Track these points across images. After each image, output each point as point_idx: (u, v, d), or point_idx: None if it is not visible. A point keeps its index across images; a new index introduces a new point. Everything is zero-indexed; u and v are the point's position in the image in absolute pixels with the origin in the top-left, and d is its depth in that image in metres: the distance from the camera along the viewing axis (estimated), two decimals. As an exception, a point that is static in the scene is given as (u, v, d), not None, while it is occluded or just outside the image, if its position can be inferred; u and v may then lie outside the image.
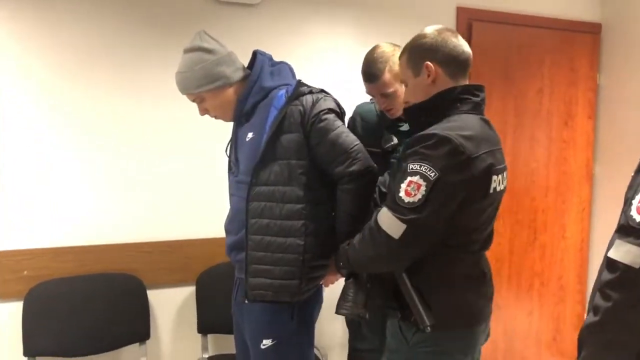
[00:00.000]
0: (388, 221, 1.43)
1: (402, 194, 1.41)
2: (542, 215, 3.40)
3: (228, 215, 1.91)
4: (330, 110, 1.74)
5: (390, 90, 2.00)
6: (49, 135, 2.35)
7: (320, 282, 1.85)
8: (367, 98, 2.22)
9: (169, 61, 2.44)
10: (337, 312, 1.66)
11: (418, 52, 1.57)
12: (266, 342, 1.77)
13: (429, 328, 1.48)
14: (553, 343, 3.52)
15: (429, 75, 1.55)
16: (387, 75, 1.98)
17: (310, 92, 1.75)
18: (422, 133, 1.45)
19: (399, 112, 2.07)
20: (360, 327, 2.24)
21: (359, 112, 2.27)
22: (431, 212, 1.40)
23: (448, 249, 1.51)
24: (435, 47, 1.55)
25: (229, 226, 1.87)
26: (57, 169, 2.37)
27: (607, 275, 1.25)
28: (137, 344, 2.45)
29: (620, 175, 3.39)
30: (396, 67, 1.91)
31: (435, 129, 1.44)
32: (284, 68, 1.85)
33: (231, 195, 1.89)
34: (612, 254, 1.25)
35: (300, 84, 1.77)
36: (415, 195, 1.40)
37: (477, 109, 1.56)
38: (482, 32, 3.11)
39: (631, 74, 3.34)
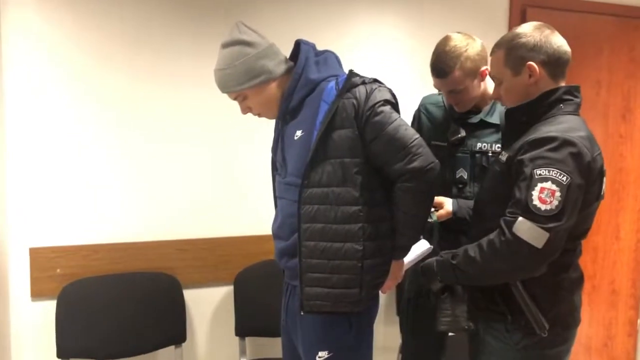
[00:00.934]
0: (529, 231, 1.38)
1: (536, 202, 1.37)
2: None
3: (275, 219, 1.77)
4: (386, 102, 1.57)
5: (460, 87, 1.87)
6: (84, 130, 2.24)
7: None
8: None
9: (205, 50, 2.35)
10: (439, 328, 1.65)
11: (520, 50, 1.52)
12: (322, 354, 1.64)
13: (546, 332, 1.48)
14: (604, 349, 3.33)
15: (530, 76, 1.52)
16: (457, 73, 1.84)
17: (363, 83, 1.58)
18: (540, 136, 1.42)
19: (467, 107, 1.96)
20: (413, 333, 2.14)
21: (424, 103, 2.15)
22: (569, 217, 1.39)
23: (567, 256, 1.52)
24: (539, 47, 1.51)
25: (279, 231, 1.73)
26: (92, 164, 2.26)
27: None
28: (173, 346, 2.34)
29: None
30: (468, 64, 1.84)
31: (553, 132, 1.42)
32: (330, 57, 1.69)
33: (279, 198, 1.75)
34: None
35: (352, 74, 1.60)
36: (551, 202, 1.37)
37: (578, 110, 1.55)
38: (536, 19, 2.89)
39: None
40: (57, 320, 2.16)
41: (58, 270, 2.23)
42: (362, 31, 2.62)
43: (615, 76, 3.14)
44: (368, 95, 1.55)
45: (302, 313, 1.63)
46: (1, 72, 2.13)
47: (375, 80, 1.62)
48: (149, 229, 2.36)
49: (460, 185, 1.96)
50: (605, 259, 3.27)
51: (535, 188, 1.37)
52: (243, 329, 2.43)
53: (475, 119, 1.97)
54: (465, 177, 1.95)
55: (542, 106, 1.51)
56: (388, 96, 1.59)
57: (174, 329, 2.34)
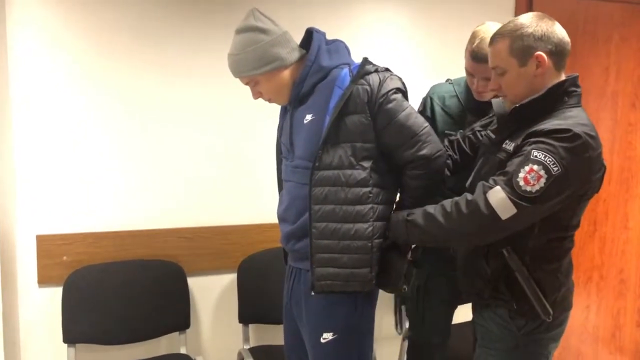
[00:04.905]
0: (500, 202, 1.41)
1: (520, 180, 1.39)
2: (603, 204, 3.17)
3: (281, 203, 1.81)
4: (398, 90, 1.62)
5: None
6: (89, 118, 2.27)
7: None
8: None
9: (211, 38, 2.37)
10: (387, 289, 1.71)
11: (527, 40, 1.50)
12: (327, 336, 1.67)
13: (550, 317, 1.51)
14: (612, 339, 3.31)
15: (538, 67, 1.50)
16: None
17: (376, 71, 1.63)
18: (551, 127, 1.42)
19: (490, 96, 1.94)
20: (423, 319, 2.16)
21: (436, 93, 2.12)
22: (542, 205, 1.41)
23: (561, 242, 1.55)
24: (547, 36, 1.49)
25: (285, 214, 1.76)
26: (98, 153, 2.29)
27: None
28: (177, 333, 2.38)
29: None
30: None
31: (563, 125, 1.42)
32: (340, 46, 1.73)
33: (285, 181, 1.78)
34: None
35: (365, 61, 1.64)
36: (534, 185, 1.38)
37: (580, 102, 1.54)
38: (544, 4, 2.87)
39: None
40: (64, 306, 2.20)
41: (64, 258, 2.27)
42: (366, 19, 2.61)
43: (624, 64, 3.09)
44: (381, 83, 1.59)
45: (312, 293, 1.66)
46: (8, 66, 2.16)
47: (387, 69, 1.66)
48: (154, 217, 2.39)
49: None
50: (613, 248, 3.24)
51: (526, 167, 1.39)
52: (246, 316, 2.46)
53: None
54: None
55: (550, 100, 1.50)
56: (399, 85, 1.64)
57: (178, 316, 2.38)
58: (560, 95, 1.51)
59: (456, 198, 1.50)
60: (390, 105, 1.59)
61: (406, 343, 2.59)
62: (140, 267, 2.36)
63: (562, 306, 1.59)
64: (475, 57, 1.87)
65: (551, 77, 1.51)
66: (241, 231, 2.50)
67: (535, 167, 1.38)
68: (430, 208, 1.54)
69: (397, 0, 2.66)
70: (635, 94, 3.15)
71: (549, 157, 1.38)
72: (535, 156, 1.39)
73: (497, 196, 1.41)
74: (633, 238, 3.28)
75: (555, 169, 1.37)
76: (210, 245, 2.47)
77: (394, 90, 1.60)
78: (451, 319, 2.23)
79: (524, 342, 1.57)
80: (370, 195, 1.62)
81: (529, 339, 1.57)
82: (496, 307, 1.59)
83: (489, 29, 1.86)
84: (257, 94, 1.74)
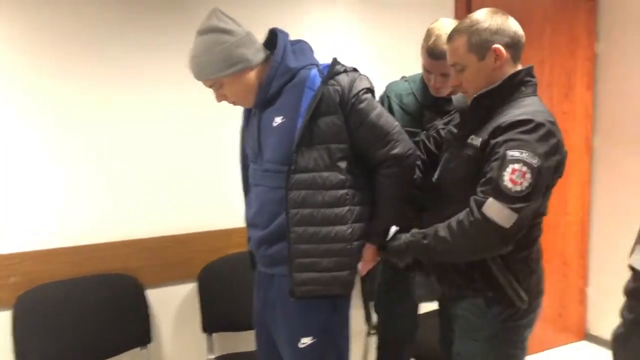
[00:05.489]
0: (498, 212, 1.42)
1: (507, 183, 1.41)
2: (544, 190, 3.32)
3: (250, 207, 1.77)
4: (368, 90, 1.63)
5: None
6: (34, 131, 2.13)
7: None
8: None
9: (159, 40, 2.29)
10: (419, 300, 1.85)
11: (484, 34, 1.54)
12: (305, 340, 1.65)
13: (525, 304, 1.56)
14: (559, 319, 3.48)
15: (496, 60, 1.55)
16: None
17: (345, 71, 1.63)
18: (513, 119, 1.46)
19: (447, 92, 2.00)
20: (392, 314, 2.20)
21: (393, 90, 2.15)
22: (537, 198, 1.45)
23: (530, 230, 1.57)
24: (502, 30, 1.55)
25: (255, 219, 1.73)
26: (44, 166, 2.15)
27: (631, 283, 1.30)
28: (139, 348, 2.28)
29: (620, 147, 3.34)
30: None
31: (523, 114, 1.46)
32: (305, 47, 1.72)
33: (254, 185, 1.75)
34: (634, 262, 1.28)
35: (335, 62, 1.64)
36: (522, 183, 1.41)
37: (536, 91, 1.60)
38: (482, 1, 2.97)
39: (629, 41, 3.26)
40: (15, 330, 2.06)
41: (11, 279, 2.12)
42: (314, 16, 2.61)
43: (557, 56, 3.26)
44: (351, 84, 1.60)
45: (292, 299, 1.63)
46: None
47: (355, 69, 1.66)
48: (106, 230, 2.27)
49: None
50: (555, 232, 3.40)
51: (507, 169, 1.41)
52: (210, 325, 2.40)
53: (450, 106, 2.00)
54: None
55: (508, 89, 1.55)
56: (368, 84, 1.65)
57: (139, 331, 2.28)
58: (517, 85, 1.56)
59: (459, 217, 1.50)
60: (362, 106, 1.59)
61: (371, 339, 2.62)
62: (96, 282, 2.24)
63: (535, 292, 1.63)
64: (432, 54, 1.91)
65: (509, 70, 1.57)
66: (200, 238, 2.44)
67: (516, 166, 1.41)
68: (442, 231, 1.53)
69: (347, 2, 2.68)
70: (567, 84, 3.32)
71: (524, 153, 1.41)
72: (512, 156, 1.42)
73: (494, 209, 1.42)
74: (572, 222, 3.46)
75: (534, 161, 1.41)
76: (168, 255, 2.38)
77: (365, 90, 1.61)
78: (417, 311, 2.27)
79: (502, 330, 1.61)
80: (348, 197, 1.61)
81: (506, 327, 1.60)
82: (473, 297, 1.62)
83: (443, 25, 1.91)
84: (221, 97, 1.69)
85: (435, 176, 1.70)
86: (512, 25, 1.57)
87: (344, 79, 1.60)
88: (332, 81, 1.59)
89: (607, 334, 3.49)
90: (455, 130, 1.70)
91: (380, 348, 2.31)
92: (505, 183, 1.41)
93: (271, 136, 1.65)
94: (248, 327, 2.37)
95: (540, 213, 1.60)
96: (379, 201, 1.67)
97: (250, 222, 1.76)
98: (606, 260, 3.52)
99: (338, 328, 1.71)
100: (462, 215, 1.49)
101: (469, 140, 1.57)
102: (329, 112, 1.58)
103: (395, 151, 1.62)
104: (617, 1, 3.31)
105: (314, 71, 1.63)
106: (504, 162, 1.42)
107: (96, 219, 2.26)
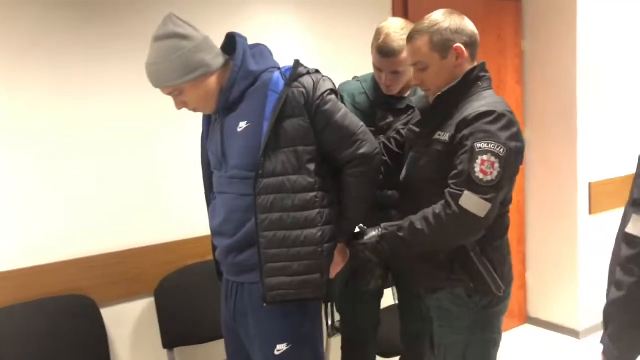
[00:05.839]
0: (474, 204, 1.49)
1: (478, 174, 1.48)
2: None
3: (215, 216, 1.73)
4: (332, 91, 1.63)
5: (402, 68, 1.97)
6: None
7: None
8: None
9: (98, 50, 2.21)
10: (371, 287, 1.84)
11: (445, 34, 1.61)
12: (281, 347, 1.64)
13: (502, 292, 1.63)
14: (502, 305, 3.62)
15: (457, 58, 1.61)
16: (405, 54, 1.92)
17: (308, 73, 1.63)
18: (476, 112, 1.53)
19: (398, 90, 2.06)
20: (355, 313, 2.22)
21: (345, 90, 2.18)
22: (508, 186, 1.54)
23: (501, 219, 1.66)
24: (461, 29, 1.62)
25: (222, 228, 1.69)
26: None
27: (627, 251, 1.34)
28: (97, 370, 2.19)
29: (549, 137, 3.54)
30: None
31: (485, 106, 1.54)
32: (265, 50, 1.70)
33: (219, 193, 1.71)
34: (630, 230, 1.33)
35: (298, 64, 1.63)
36: (492, 173, 1.48)
37: (491, 85, 1.68)
38: (418, 5, 3.06)
39: (552, 38, 3.47)
40: (-40, 364, 1.93)
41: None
42: (256, 20, 2.59)
43: (488, 55, 3.40)
44: (315, 85, 1.60)
45: (264, 305, 1.61)
46: None
47: (317, 71, 1.67)
48: (55, 249, 2.16)
49: None
50: (495, 222, 3.55)
51: (477, 161, 1.49)
52: (170, 340, 2.33)
53: (402, 104, 2.08)
54: None
55: (466, 85, 1.62)
56: (332, 85, 1.65)
57: (96, 352, 2.18)
58: (474, 80, 1.64)
59: (435, 210, 1.55)
60: (327, 107, 1.60)
61: (332, 340, 2.64)
62: (47, 305, 2.12)
63: (508, 280, 1.71)
64: (382, 52, 1.96)
65: (468, 66, 1.65)
66: (154, 252, 2.36)
67: (485, 157, 1.48)
68: (418, 223, 1.58)
69: (287, 2, 2.68)
70: (499, 80, 3.49)
71: (491, 144, 1.49)
72: (480, 148, 1.49)
73: (471, 201, 1.49)
74: (510, 211, 3.61)
75: (501, 150, 1.49)
76: (122, 271, 2.30)
77: (329, 91, 1.62)
78: (380, 308, 2.30)
79: (482, 318, 1.68)
80: (317, 199, 1.61)
81: (485, 314, 1.67)
82: (452, 287, 1.67)
83: (392, 24, 1.97)
84: (181, 104, 1.65)
85: (403, 175, 1.74)
86: (469, 25, 1.65)
87: (307, 80, 1.60)
88: (295, 83, 1.59)
89: (546, 316, 3.71)
90: (417, 129, 1.75)
91: (345, 348, 2.33)
92: (477, 174, 1.48)
93: (236, 142, 1.63)
94: (210, 339, 2.37)
95: (508, 201, 1.68)
96: (346, 202, 1.67)
97: (217, 231, 1.73)
98: (542, 246, 3.72)
99: (312, 332, 1.71)
100: (438, 208, 1.55)
101: (437, 137, 1.62)
102: (294, 115, 1.58)
103: (361, 151, 1.63)
104: (540, 1, 3.52)
105: (277, 74, 1.62)
106: (473, 155, 1.50)
107: (42, 238, 2.14)
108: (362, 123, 1.68)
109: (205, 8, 2.43)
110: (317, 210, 1.61)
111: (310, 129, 1.60)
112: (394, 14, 3.02)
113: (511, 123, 1.55)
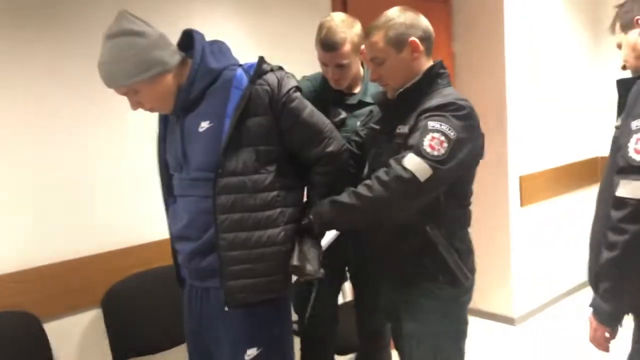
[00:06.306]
0: (417, 165, 1.50)
1: (426, 147, 1.51)
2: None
3: (177, 220, 1.66)
4: (297, 89, 1.61)
5: (347, 61, 1.98)
6: None
7: None
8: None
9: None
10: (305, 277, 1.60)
11: (400, 28, 1.63)
12: (251, 352, 1.60)
13: (469, 281, 1.68)
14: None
15: (413, 52, 1.64)
16: (348, 46, 1.96)
17: (272, 70, 1.59)
18: (437, 103, 1.57)
19: (346, 84, 2.07)
20: (313, 311, 2.19)
21: None
22: (452, 166, 1.53)
23: (465, 210, 1.72)
24: (416, 24, 1.65)
25: (185, 232, 1.62)
26: None
27: (618, 214, 1.45)
28: (43, 390, 2.04)
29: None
30: (356, 39, 1.99)
31: (448, 99, 1.58)
32: (224, 47, 1.65)
33: (180, 196, 1.65)
34: (620, 193, 1.44)
35: (262, 61, 1.59)
36: (439, 149, 1.51)
37: (450, 82, 1.72)
38: (357, 4, 3.11)
39: (482, 39, 3.63)
40: None
41: None
42: (195, 19, 2.52)
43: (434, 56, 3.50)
44: (280, 82, 1.56)
45: (226, 309, 1.56)
46: None
47: (281, 68, 1.63)
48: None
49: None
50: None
51: (427, 136, 1.52)
52: (121, 352, 2.21)
53: (353, 100, 2.10)
54: None
55: (427, 82, 1.65)
56: (296, 83, 1.62)
57: (40, 371, 2.04)
58: (434, 77, 1.68)
59: (375, 173, 1.56)
60: (293, 104, 1.58)
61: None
62: (-17, 324, 1.97)
63: (473, 269, 1.76)
64: (325, 45, 1.98)
65: (424, 62, 1.69)
66: (98, 260, 2.23)
67: (436, 134, 1.51)
68: (354, 187, 1.58)
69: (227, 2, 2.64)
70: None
71: (444, 125, 1.53)
72: (432, 126, 1.53)
73: (413, 161, 1.50)
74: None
75: (452, 133, 1.52)
76: (65, 283, 2.15)
77: (293, 88, 1.59)
78: (337, 307, 2.31)
79: (451, 309, 1.71)
80: (279, 198, 1.58)
81: (454, 305, 1.71)
82: (421, 281, 1.69)
83: (333, 18, 2.01)
84: (136, 105, 1.58)
85: (365, 172, 1.75)
86: (423, 21, 1.69)
87: (272, 77, 1.57)
88: (260, 80, 1.55)
89: (482, 305, 3.86)
90: (377, 127, 1.77)
91: (304, 349, 2.31)
92: (424, 147, 1.51)
93: (197, 142, 1.57)
94: (163, 348, 2.29)
95: (470, 193, 1.73)
96: (315, 200, 1.66)
97: (179, 235, 1.66)
98: (476, 237, 3.84)
99: (283, 334, 1.68)
100: (379, 172, 1.55)
101: (398, 131, 1.64)
102: (257, 113, 1.54)
103: (330, 149, 1.63)
104: (468, 3, 3.66)
105: (239, 71, 1.58)
106: (424, 131, 1.53)
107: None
108: (327, 120, 1.67)
109: (143, 5, 2.34)
110: (279, 210, 1.58)
111: (274, 128, 1.57)
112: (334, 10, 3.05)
113: (469, 116, 1.59)
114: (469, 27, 3.70)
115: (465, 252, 1.71)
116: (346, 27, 1.97)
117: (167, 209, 1.76)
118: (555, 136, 3.96)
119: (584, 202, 4.07)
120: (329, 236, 1.81)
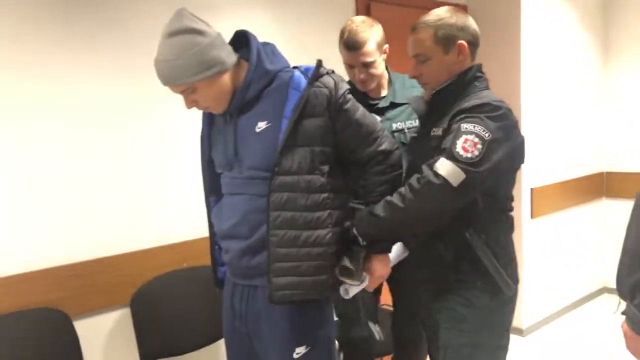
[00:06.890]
0: (448, 169, 1.47)
1: (459, 149, 1.48)
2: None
3: (227, 218, 1.66)
4: (349, 91, 1.63)
5: (371, 59, 2.01)
6: None
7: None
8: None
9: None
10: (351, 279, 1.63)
11: (450, 29, 1.62)
12: (300, 350, 1.60)
13: (511, 290, 1.63)
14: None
15: (459, 54, 1.62)
16: (371, 43, 1.99)
17: (328, 73, 1.61)
18: (472, 104, 1.55)
19: (373, 84, 2.08)
20: (358, 316, 2.15)
21: None
22: (486, 168, 1.49)
23: (506, 215, 1.69)
24: (466, 27, 1.64)
25: (235, 230, 1.63)
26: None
27: None
28: (72, 388, 2.02)
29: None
30: (378, 38, 2.02)
31: (486, 100, 1.55)
32: (275, 49, 1.67)
33: (231, 194, 1.66)
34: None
35: (320, 64, 1.61)
36: (472, 151, 1.47)
37: (489, 85, 1.69)
38: (379, 12, 3.14)
39: (495, 52, 3.67)
40: None
41: None
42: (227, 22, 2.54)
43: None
44: (336, 85, 1.59)
45: (271, 304, 1.57)
46: None
47: (333, 72, 1.65)
48: (21, 259, 1.98)
49: None
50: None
51: (460, 138, 1.49)
52: (148, 353, 2.20)
53: (385, 102, 2.11)
54: None
55: (463, 84, 1.63)
56: (348, 86, 1.65)
57: (70, 369, 2.02)
58: (471, 80, 1.65)
59: (408, 180, 1.54)
60: (347, 106, 1.60)
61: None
62: (15, 320, 1.95)
63: (515, 278, 1.69)
64: (348, 46, 2.01)
65: (468, 65, 1.66)
66: (128, 260, 2.23)
67: (469, 136, 1.48)
68: (388, 197, 1.57)
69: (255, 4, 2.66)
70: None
71: (477, 127, 1.50)
72: (466, 128, 1.50)
73: (444, 165, 1.47)
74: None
75: (486, 135, 1.49)
76: (95, 281, 2.15)
77: (348, 90, 1.62)
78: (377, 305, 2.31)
79: (490, 320, 1.65)
80: (328, 200, 1.60)
81: (494, 316, 1.65)
82: (459, 289, 1.66)
83: (353, 21, 2.05)
84: (192, 103, 1.58)
85: (403, 178, 1.72)
86: (473, 24, 1.67)
87: (329, 80, 1.59)
88: (317, 83, 1.57)
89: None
90: (416, 134, 1.79)
91: (347, 353, 2.28)
92: (457, 150, 1.47)
93: (254, 142, 1.59)
94: (190, 349, 2.28)
95: (511, 197, 1.70)
96: (374, 200, 1.63)
97: (228, 234, 1.66)
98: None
99: (328, 334, 1.69)
100: (412, 179, 1.53)
101: (432, 134, 1.64)
102: (314, 114, 1.56)
103: (383, 147, 1.64)
104: (484, 16, 3.70)
105: (297, 73, 1.60)
106: (457, 133, 1.50)
107: (9, 248, 1.96)
108: (378, 121, 1.70)
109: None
110: (327, 212, 1.60)
111: (329, 130, 1.59)
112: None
113: (505, 116, 1.55)
114: (484, 38, 3.72)
115: (507, 259, 1.66)
116: (367, 27, 2.01)
117: (208, 208, 1.76)
118: (565, 149, 4.01)
119: (592, 215, 4.14)
120: (396, 251, 1.78)
